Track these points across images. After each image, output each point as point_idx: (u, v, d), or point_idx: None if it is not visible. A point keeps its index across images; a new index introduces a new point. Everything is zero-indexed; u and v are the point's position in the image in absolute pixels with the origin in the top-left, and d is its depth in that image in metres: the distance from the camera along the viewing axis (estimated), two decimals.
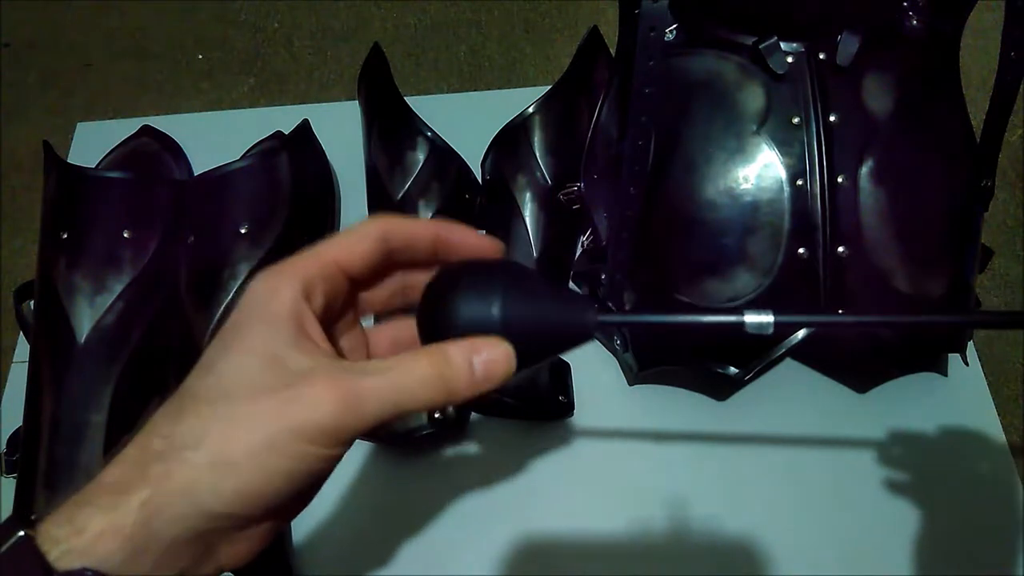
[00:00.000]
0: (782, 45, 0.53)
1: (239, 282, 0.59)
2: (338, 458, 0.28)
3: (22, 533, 0.25)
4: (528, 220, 0.63)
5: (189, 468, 0.26)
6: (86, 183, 0.62)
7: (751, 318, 0.30)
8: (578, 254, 0.65)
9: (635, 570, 0.55)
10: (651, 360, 0.58)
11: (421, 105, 0.66)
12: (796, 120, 0.54)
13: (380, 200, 0.65)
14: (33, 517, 0.26)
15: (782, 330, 0.29)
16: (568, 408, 0.60)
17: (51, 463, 0.56)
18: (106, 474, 0.26)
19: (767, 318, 0.30)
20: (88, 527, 0.25)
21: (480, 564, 0.56)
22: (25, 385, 0.60)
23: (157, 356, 0.60)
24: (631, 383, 0.62)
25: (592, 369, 0.62)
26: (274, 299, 0.31)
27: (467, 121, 0.68)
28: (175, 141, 0.72)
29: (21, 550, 0.25)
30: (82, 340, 0.58)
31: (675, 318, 0.32)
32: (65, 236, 0.61)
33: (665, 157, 0.54)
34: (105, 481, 0.26)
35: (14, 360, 0.67)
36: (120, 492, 0.26)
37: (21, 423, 0.59)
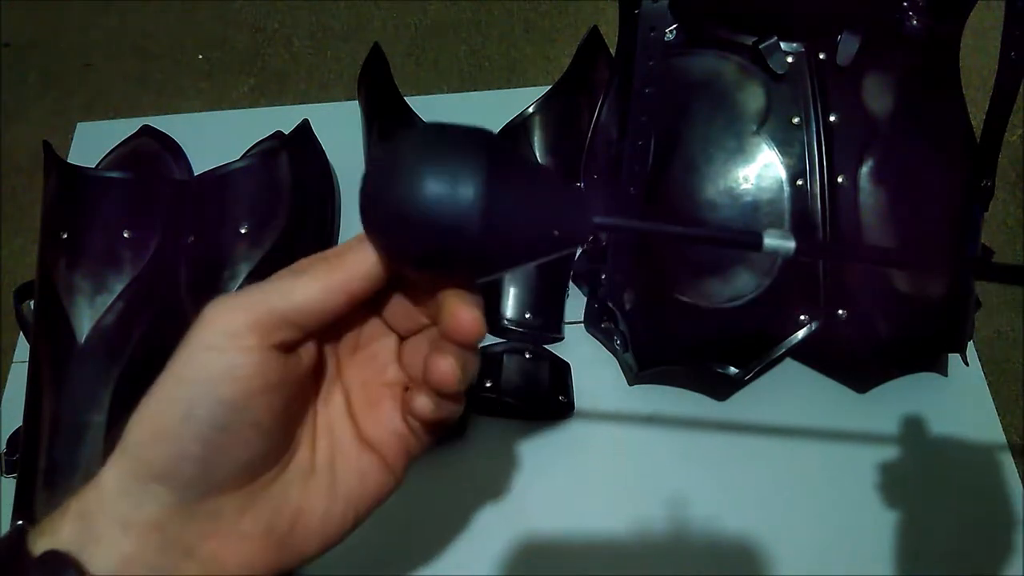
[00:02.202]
0: (782, 45, 0.53)
1: (239, 282, 0.59)
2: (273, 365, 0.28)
3: (20, 523, 0.27)
4: None
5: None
6: (86, 183, 0.62)
7: (771, 240, 0.26)
8: (578, 254, 0.65)
9: (635, 570, 0.55)
10: (651, 360, 0.58)
11: (421, 105, 0.66)
12: (796, 120, 0.54)
13: None
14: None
15: (802, 256, 0.26)
16: (568, 408, 0.60)
17: (51, 463, 0.56)
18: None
19: (789, 243, 0.26)
20: (63, 519, 0.27)
21: (480, 564, 0.56)
22: (25, 385, 0.60)
23: (157, 356, 0.59)
24: (631, 383, 0.62)
25: (592, 369, 0.62)
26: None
27: (467, 121, 0.68)
28: (175, 141, 0.72)
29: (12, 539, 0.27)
30: (82, 340, 0.58)
31: (683, 230, 0.27)
32: (65, 236, 0.61)
33: (665, 157, 0.54)
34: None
35: (14, 360, 0.67)
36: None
37: (21, 423, 0.59)
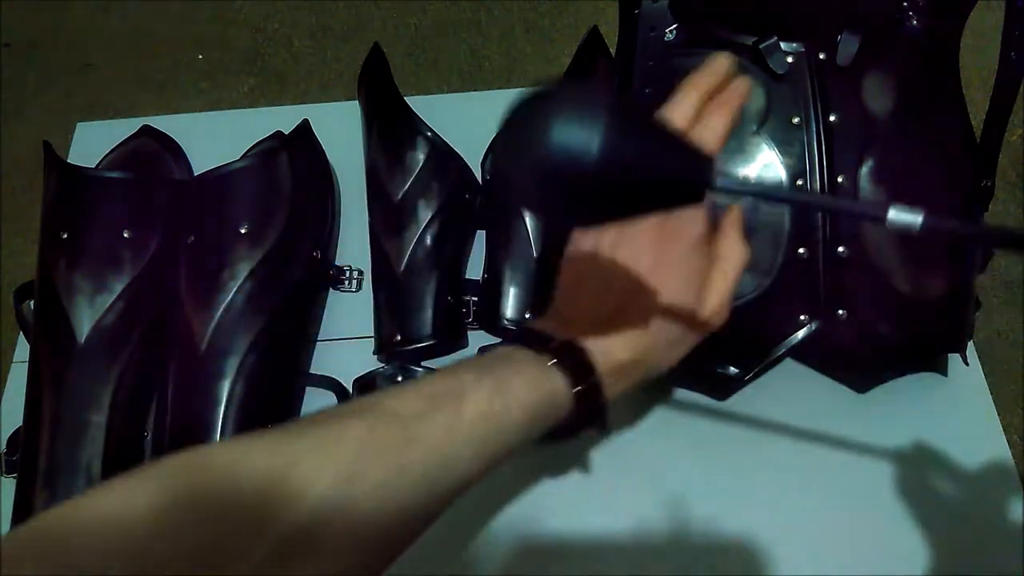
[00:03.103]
0: (782, 45, 0.53)
1: (239, 282, 0.59)
2: None
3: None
4: (528, 220, 0.63)
5: None
6: (86, 183, 0.63)
7: (895, 215, 0.26)
8: None
9: (635, 570, 0.55)
10: None
11: (421, 105, 0.66)
12: (796, 120, 0.54)
13: (380, 200, 0.65)
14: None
15: (927, 231, 0.27)
16: None
17: (51, 463, 0.56)
18: None
19: (916, 218, 0.26)
20: None
21: (480, 564, 0.56)
22: (25, 385, 0.60)
23: (157, 356, 0.60)
24: None
25: None
26: None
27: (467, 121, 0.68)
28: (175, 141, 0.72)
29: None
30: (82, 340, 0.58)
31: (807, 198, 0.28)
32: (65, 236, 0.61)
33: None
34: None
35: (14, 360, 0.67)
36: None
37: (21, 423, 0.59)
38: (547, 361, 0.39)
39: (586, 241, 0.43)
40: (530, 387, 0.38)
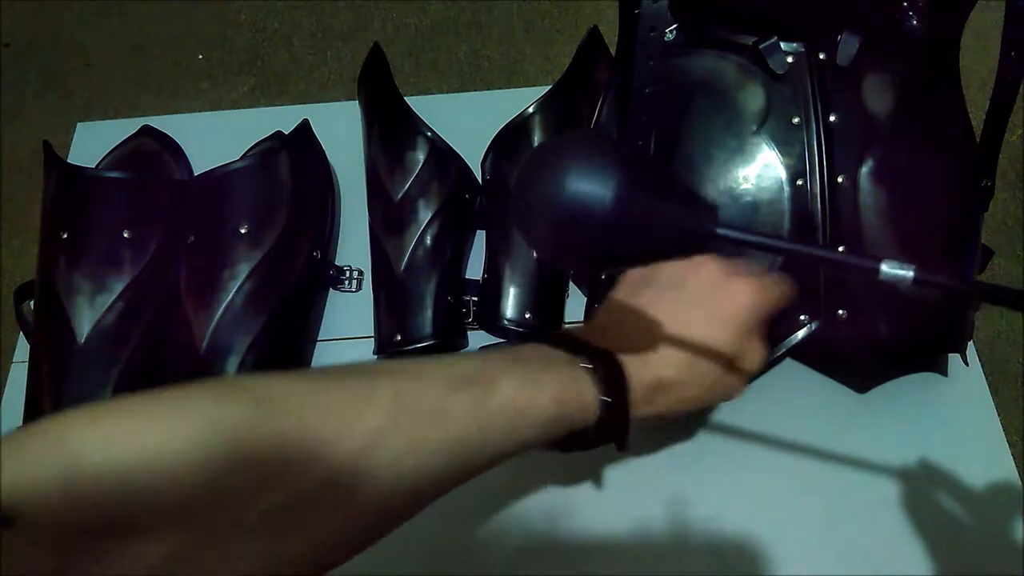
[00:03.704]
0: (782, 45, 0.53)
1: (239, 282, 0.59)
2: None
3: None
4: None
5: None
6: (86, 183, 0.63)
7: (888, 268, 0.27)
8: None
9: (635, 570, 0.55)
10: None
11: (421, 105, 0.66)
12: (796, 120, 0.54)
13: (380, 200, 0.65)
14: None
15: (921, 285, 0.28)
16: None
17: None
18: None
19: (907, 273, 0.27)
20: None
21: (480, 564, 0.56)
22: (25, 385, 0.60)
23: (157, 356, 0.60)
24: None
25: None
26: None
27: (467, 121, 0.68)
28: (175, 141, 0.72)
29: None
30: (82, 340, 0.58)
31: (804, 248, 0.29)
32: (65, 236, 0.61)
33: (665, 157, 0.54)
34: None
35: (14, 360, 0.67)
36: None
37: (21, 423, 0.59)
38: (580, 364, 0.38)
39: (640, 277, 0.43)
40: (560, 385, 0.37)
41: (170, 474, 0.26)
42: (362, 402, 0.31)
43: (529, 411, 0.36)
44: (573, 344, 0.40)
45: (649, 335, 0.40)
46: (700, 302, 0.41)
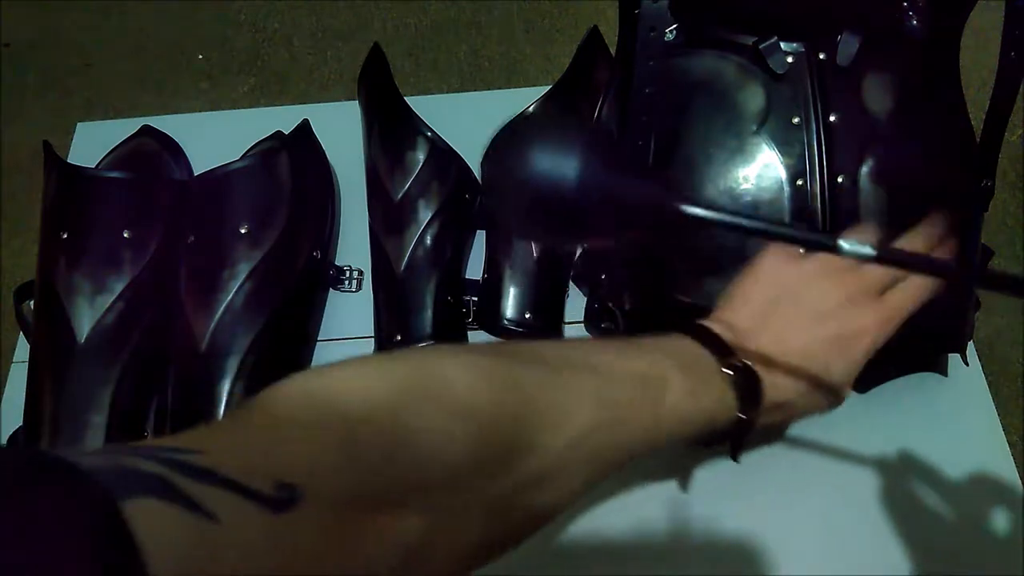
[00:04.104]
0: (782, 45, 0.53)
1: (239, 282, 0.59)
2: None
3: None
4: None
5: None
6: (86, 183, 0.63)
7: (848, 244, 0.28)
8: (578, 254, 0.65)
9: (635, 570, 0.55)
10: None
11: (421, 105, 0.66)
12: (796, 120, 0.54)
13: (380, 200, 0.65)
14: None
15: (880, 262, 0.29)
16: None
17: None
18: None
19: (866, 249, 0.28)
20: None
21: None
22: (25, 385, 0.60)
23: (157, 356, 0.60)
24: None
25: None
26: None
27: (467, 121, 0.68)
28: (175, 141, 0.72)
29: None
30: (82, 340, 0.58)
31: (768, 226, 0.30)
32: (65, 236, 0.61)
33: (665, 157, 0.54)
34: None
35: (14, 360, 0.67)
36: None
37: (21, 423, 0.59)
38: (727, 375, 0.40)
39: (783, 262, 0.44)
40: (714, 402, 0.38)
41: (445, 442, 0.27)
42: (575, 399, 0.33)
43: (688, 420, 0.37)
44: (720, 347, 0.40)
45: (782, 355, 0.41)
46: (832, 332, 0.42)
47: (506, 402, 0.30)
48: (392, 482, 0.26)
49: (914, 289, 0.44)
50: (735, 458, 0.44)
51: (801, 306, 0.43)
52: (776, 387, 0.41)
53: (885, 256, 0.28)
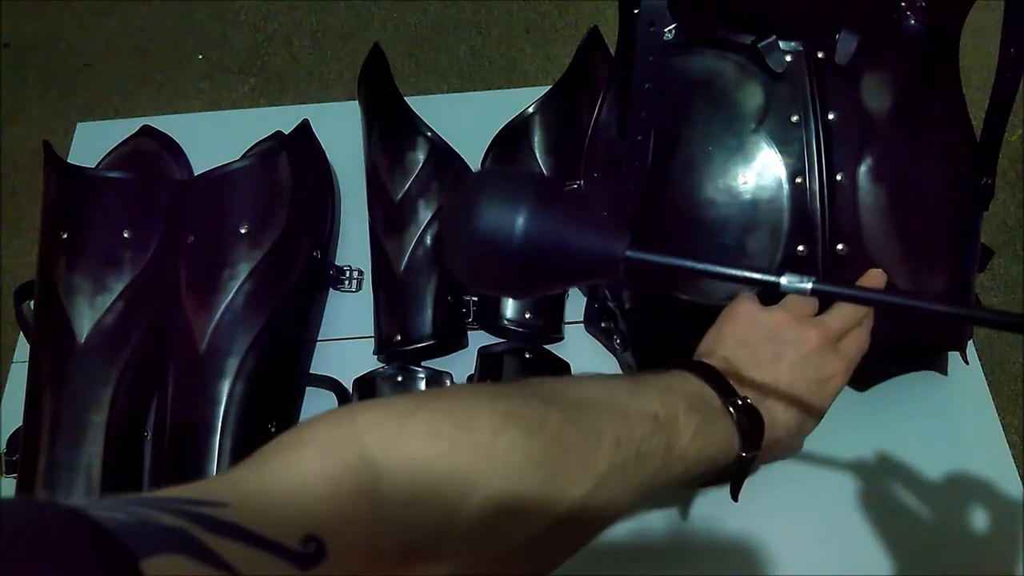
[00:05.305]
0: (781, 44, 0.53)
1: (239, 282, 0.59)
2: None
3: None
4: None
5: None
6: (86, 183, 0.63)
7: (788, 281, 0.29)
8: None
9: (635, 570, 0.55)
10: (650, 359, 0.58)
11: (421, 105, 0.66)
12: (795, 119, 0.54)
13: (380, 200, 0.65)
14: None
15: (818, 297, 0.32)
16: None
17: (51, 463, 0.56)
18: None
19: (805, 285, 0.29)
20: None
21: None
22: (25, 385, 0.60)
23: (157, 356, 0.60)
24: None
25: (592, 369, 0.62)
26: None
27: (467, 121, 0.68)
28: (175, 141, 0.72)
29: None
30: (82, 340, 0.58)
31: (712, 267, 0.31)
32: (65, 236, 0.61)
33: (665, 156, 0.54)
34: None
35: (14, 360, 0.67)
36: None
37: (21, 423, 0.59)
38: (731, 416, 0.41)
39: (758, 308, 0.46)
40: (720, 443, 0.39)
41: (471, 491, 0.27)
42: (594, 443, 0.33)
43: (697, 461, 0.38)
44: (723, 385, 0.41)
45: (775, 395, 0.43)
46: (812, 375, 0.44)
47: (534, 450, 0.30)
48: (419, 532, 0.25)
49: (862, 336, 0.47)
50: (735, 497, 0.45)
51: (786, 349, 0.44)
52: (772, 429, 0.42)
53: (819, 291, 0.30)
